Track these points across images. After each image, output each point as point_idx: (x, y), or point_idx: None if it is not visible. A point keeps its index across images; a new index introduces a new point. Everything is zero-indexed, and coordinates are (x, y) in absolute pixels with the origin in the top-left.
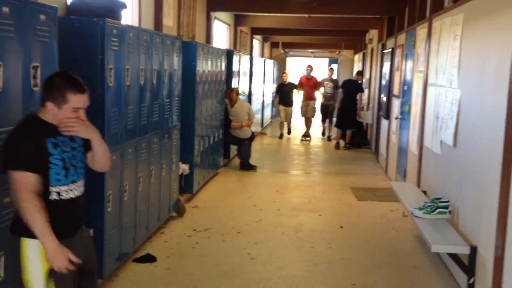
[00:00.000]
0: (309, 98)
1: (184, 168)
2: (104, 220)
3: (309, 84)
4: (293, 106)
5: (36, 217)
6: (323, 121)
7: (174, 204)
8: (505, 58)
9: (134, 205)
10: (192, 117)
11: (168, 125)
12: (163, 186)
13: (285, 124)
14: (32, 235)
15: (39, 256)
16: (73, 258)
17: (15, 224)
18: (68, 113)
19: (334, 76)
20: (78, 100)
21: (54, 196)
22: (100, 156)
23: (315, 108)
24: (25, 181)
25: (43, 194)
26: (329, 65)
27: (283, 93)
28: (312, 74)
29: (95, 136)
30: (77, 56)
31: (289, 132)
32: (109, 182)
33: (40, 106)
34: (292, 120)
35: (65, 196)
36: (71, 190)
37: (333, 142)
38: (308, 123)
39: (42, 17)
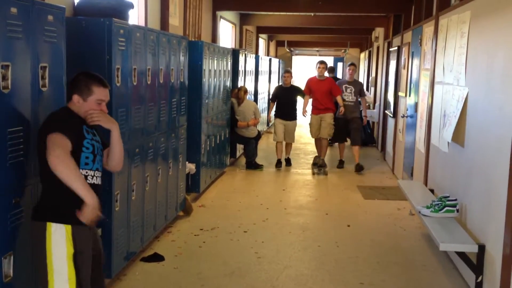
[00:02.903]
0: (322, 109)
1: (191, 167)
2: (112, 219)
3: (322, 88)
4: (296, 120)
5: (76, 174)
6: (341, 140)
7: (181, 204)
8: None
9: (141, 204)
10: (198, 116)
11: (175, 124)
12: (170, 186)
13: (284, 147)
14: (58, 220)
15: (64, 240)
16: (100, 214)
17: (39, 209)
18: (93, 105)
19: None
20: (101, 93)
21: None
22: (116, 152)
23: (333, 124)
24: (63, 142)
25: None
26: (335, 64)
27: (282, 101)
28: (326, 74)
29: (116, 129)
30: (84, 56)
31: (288, 162)
32: (117, 182)
33: (66, 102)
34: (294, 141)
35: (90, 181)
36: (95, 177)
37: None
38: (321, 147)
39: (50, 17)
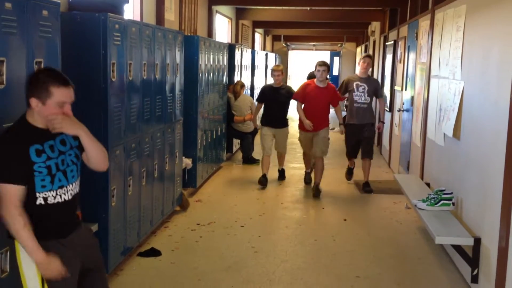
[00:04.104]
0: (318, 124)
1: (187, 162)
2: (109, 214)
3: (322, 98)
4: (288, 126)
5: (22, 234)
6: (352, 155)
7: (177, 198)
8: (509, 49)
9: (138, 199)
10: (194, 111)
11: (171, 119)
12: (167, 181)
13: (271, 161)
14: None
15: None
16: (61, 269)
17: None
18: (53, 109)
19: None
20: (62, 94)
21: (41, 201)
22: (93, 154)
23: (328, 138)
24: (7, 194)
25: (30, 199)
26: (331, 58)
27: (271, 104)
28: (328, 78)
29: (83, 133)
30: (79, 51)
31: (282, 175)
32: (113, 177)
33: (27, 106)
34: (286, 151)
35: (52, 201)
36: (59, 195)
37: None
38: (315, 169)
39: (45, 12)
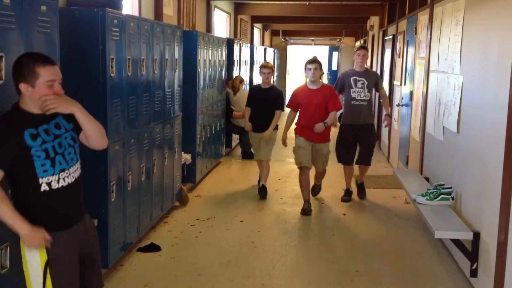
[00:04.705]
0: (318, 135)
1: (187, 157)
2: (108, 210)
3: (317, 101)
4: (276, 130)
5: (1, 209)
6: (346, 161)
7: (177, 194)
8: (508, 43)
9: (137, 195)
10: (193, 106)
11: (170, 115)
12: (166, 176)
13: (261, 170)
14: None
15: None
16: (47, 237)
17: None
18: (43, 90)
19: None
20: (48, 72)
21: (45, 187)
22: (91, 132)
23: (329, 151)
24: None
25: (34, 187)
26: (330, 53)
27: (258, 107)
28: (324, 79)
29: (77, 110)
30: (78, 46)
31: (263, 191)
32: (113, 172)
33: (17, 94)
34: (269, 158)
35: (56, 185)
36: (62, 179)
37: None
38: (317, 178)
39: (43, 8)
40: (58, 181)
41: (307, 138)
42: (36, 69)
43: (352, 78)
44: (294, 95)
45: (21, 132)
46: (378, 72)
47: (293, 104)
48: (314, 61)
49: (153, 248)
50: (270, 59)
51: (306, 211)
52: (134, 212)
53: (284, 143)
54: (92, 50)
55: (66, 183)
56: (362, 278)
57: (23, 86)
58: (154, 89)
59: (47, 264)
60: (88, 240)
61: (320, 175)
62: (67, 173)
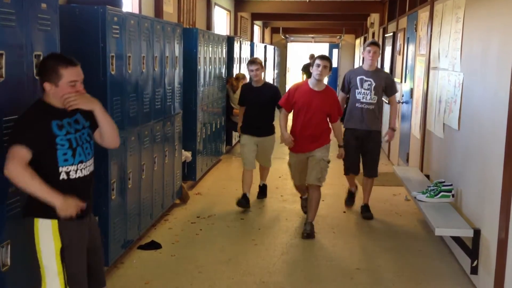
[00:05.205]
0: (313, 141)
1: (187, 155)
2: (109, 208)
3: (315, 103)
4: (274, 134)
5: (33, 184)
6: (352, 170)
7: (177, 191)
8: (508, 39)
9: (138, 192)
10: (194, 104)
11: (170, 112)
12: (167, 174)
13: (253, 175)
14: (43, 215)
15: (51, 235)
16: (80, 203)
17: (27, 206)
18: (66, 89)
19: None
20: (71, 73)
21: (63, 176)
22: (107, 129)
23: (328, 161)
24: (16, 153)
25: (53, 175)
26: (330, 50)
27: (252, 107)
28: (326, 80)
29: (97, 107)
30: (78, 44)
31: (263, 192)
32: (113, 170)
33: (42, 92)
34: (270, 164)
35: (74, 175)
36: (80, 170)
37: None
38: (309, 204)
39: (43, 5)
40: (76, 171)
41: (299, 150)
42: (59, 70)
43: (358, 78)
44: (292, 91)
45: (49, 121)
46: None
47: (288, 103)
48: (325, 58)
49: (154, 245)
50: (270, 56)
51: (304, 208)
52: (135, 209)
53: (289, 141)
54: (92, 48)
55: (83, 175)
56: (363, 276)
57: (47, 85)
58: (155, 87)
59: (62, 251)
60: (94, 236)
61: (311, 199)
62: (84, 165)
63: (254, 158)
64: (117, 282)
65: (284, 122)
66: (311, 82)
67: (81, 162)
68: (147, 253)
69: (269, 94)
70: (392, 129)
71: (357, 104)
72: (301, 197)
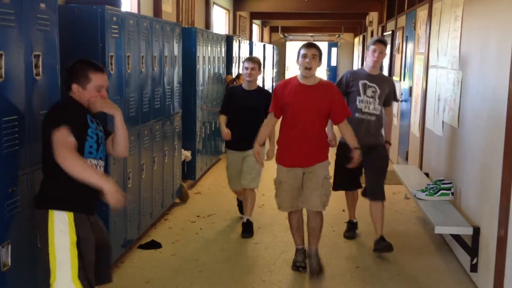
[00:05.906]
0: (307, 152)
1: (187, 154)
2: (109, 207)
3: (309, 101)
4: (265, 149)
5: (87, 171)
6: (343, 186)
7: (177, 191)
8: (507, 37)
9: (138, 192)
10: (193, 103)
11: (170, 111)
12: (166, 173)
13: (244, 202)
14: (60, 207)
15: (67, 227)
16: (124, 194)
17: (41, 198)
18: (93, 92)
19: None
20: (99, 78)
21: None
22: (121, 137)
23: (329, 178)
24: (67, 140)
25: None
26: (329, 49)
27: (239, 116)
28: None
29: (118, 114)
30: (77, 44)
31: (248, 228)
32: (113, 170)
33: (66, 92)
34: (257, 186)
35: None
36: (99, 166)
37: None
38: (310, 234)
39: (42, 5)
40: (96, 166)
41: (292, 163)
42: (89, 74)
43: (361, 82)
44: (279, 90)
45: (85, 114)
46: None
47: (278, 106)
48: (312, 45)
49: (154, 245)
50: (269, 55)
51: (298, 265)
52: (135, 209)
53: (271, 157)
54: (91, 48)
55: (100, 171)
56: (363, 274)
57: (75, 87)
58: (154, 86)
59: (77, 244)
60: (101, 229)
61: (314, 228)
62: (102, 162)
63: (239, 177)
64: (117, 281)
65: (266, 130)
66: (300, 77)
67: (101, 159)
68: (147, 252)
69: (261, 101)
70: (388, 142)
71: (357, 114)
72: (297, 248)
